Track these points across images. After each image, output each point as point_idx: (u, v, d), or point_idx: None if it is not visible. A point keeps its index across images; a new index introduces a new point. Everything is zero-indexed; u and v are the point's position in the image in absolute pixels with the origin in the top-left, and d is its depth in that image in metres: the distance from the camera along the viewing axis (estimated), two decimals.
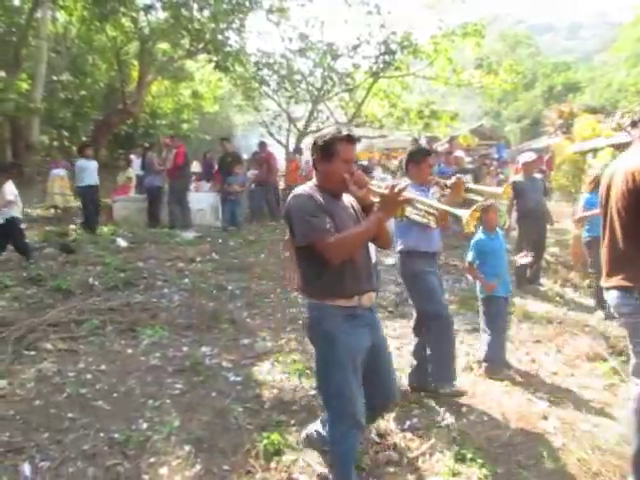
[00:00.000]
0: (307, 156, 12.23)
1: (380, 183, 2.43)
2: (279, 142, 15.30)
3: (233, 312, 5.20)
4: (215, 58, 13.42)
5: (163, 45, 15.36)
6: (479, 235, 3.98)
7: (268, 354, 4.18)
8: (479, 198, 3.28)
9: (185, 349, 4.24)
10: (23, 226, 9.32)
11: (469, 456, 2.73)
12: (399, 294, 5.86)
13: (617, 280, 2.36)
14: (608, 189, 2.41)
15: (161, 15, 13.65)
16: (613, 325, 5.04)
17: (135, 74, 16.08)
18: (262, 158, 11.50)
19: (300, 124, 15.09)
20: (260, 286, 6.22)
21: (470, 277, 5.48)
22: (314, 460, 2.68)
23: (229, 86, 17.56)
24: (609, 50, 39.56)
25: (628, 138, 7.92)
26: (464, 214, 2.38)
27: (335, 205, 2.30)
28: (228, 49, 13.32)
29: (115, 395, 3.40)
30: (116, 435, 2.90)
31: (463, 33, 13.54)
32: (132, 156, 12.66)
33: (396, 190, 2.20)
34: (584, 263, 6.98)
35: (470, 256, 3.98)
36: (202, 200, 10.59)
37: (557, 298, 6.07)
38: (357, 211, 2.40)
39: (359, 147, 2.95)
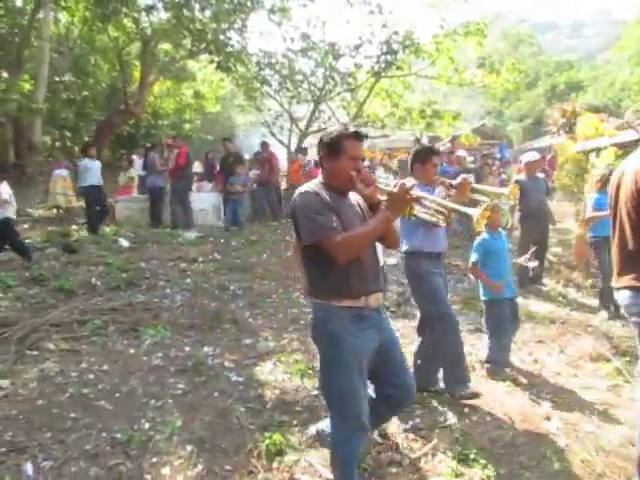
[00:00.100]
0: (311, 156, 12.25)
1: (387, 181, 2.40)
2: (281, 142, 15.30)
3: (235, 312, 5.20)
4: (217, 58, 13.43)
5: (165, 45, 15.39)
6: (483, 235, 3.91)
7: (270, 354, 4.18)
8: (484, 198, 3.25)
9: (187, 349, 4.24)
10: (25, 226, 9.42)
11: (472, 457, 2.72)
12: (401, 294, 5.86)
13: (628, 280, 2.35)
14: (617, 189, 2.39)
15: (163, 15, 13.68)
16: (616, 325, 5.03)
17: (137, 74, 16.11)
18: (264, 158, 11.51)
19: (302, 124, 15.10)
20: (262, 286, 6.21)
21: (472, 277, 5.47)
22: (316, 460, 2.68)
23: (231, 86, 17.58)
24: (612, 49, 39.48)
25: (636, 136, 7.89)
26: (475, 213, 2.35)
27: (342, 203, 2.26)
28: (230, 49, 13.32)
29: (117, 395, 3.41)
30: (118, 435, 2.90)
31: (465, 32, 13.52)
32: (134, 156, 12.69)
33: (404, 188, 2.16)
34: (587, 263, 6.98)
35: (474, 257, 3.92)
36: (204, 200, 10.61)
37: (560, 298, 6.05)
38: (364, 209, 2.37)
39: None
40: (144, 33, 13.93)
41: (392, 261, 6.77)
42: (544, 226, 6.45)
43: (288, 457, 2.73)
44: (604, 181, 5.51)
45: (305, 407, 3.30)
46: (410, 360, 3.67)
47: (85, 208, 9.37)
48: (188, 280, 6.14)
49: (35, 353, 4.01)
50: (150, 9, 13.19)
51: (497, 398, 3.46)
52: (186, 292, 5.72)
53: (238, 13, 13.24)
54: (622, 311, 2.50)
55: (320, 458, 2.69)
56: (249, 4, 13.27)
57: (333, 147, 2.24)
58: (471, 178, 3.51)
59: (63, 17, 16.18)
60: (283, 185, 12.85)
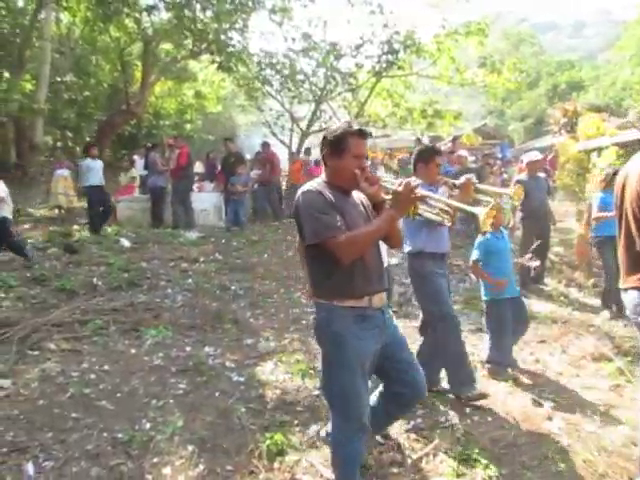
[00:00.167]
0: (314, 156, 12.26)
1: (392, 180, 2.36)
2: (282, 142, 15.32)
3: (236, 312, 5.20)
4: (218, 58, 13.43)
5: (166, 46, 15.41)
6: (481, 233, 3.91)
7: (271, 354, 4.18)
8: (486, 198, 3.23)
9: (188, 349, 4.24)
10: (27, 226, 9.44)
11: (473, 457, 2.71)
12: (403, 294, 5.85)
13: (635, 281, 2.34)
14: (623, 189, 2.38)
15: (164, 16, 13.70)
16: (618, 325, 5.03)
17: (138, 75, 16.13)
18: (265, 158, 11.51)
19: (303, 124, 15.11)
20: (263, 286, 6.22)
21: (474, 277, 5.46)
22: (317, 460, 2.68)
23: (232, 86, 17.60)
24: (613, 48, 39.39)
25: (638, 136, 7.86)
26: (481, 212, 2.32)
27: (345, 202, 2.23)
28: (231, 49, 13.33)
29: (119, 395, 3.41)
30: (120, 435, 2.90)
31: (466, 32, 13.52)
32: (135, 156, 12.70)
33: (409, 187, 2.13)
34: (589, 263, 6.97)
35: (475, 255, 3.90)
36: (205, 200, 10.61)
37: (561, 298, 6.04)
38: (367, 208, 2.33)
39: None
40: (145, 33, 13.95)
41: (394, 261, 6.76)
42: (545, 226, 6.44)
43: (289, 457, 2.73)
44: (608, 180, 5.51)
45: (306, 407, 3.30)
46: None
47: (87, 208, 9.38)
48: (189, 280, 6.14)
49: (36, 353, 4.01)
50: (151, 9, 13.19)
51: (499, 398, 3.45)
52: (187, 292, 5.72)
53: (239, 13, 13.25)
54: (628, 312, 2.48)
55: (321, 458, 2.69)
56: (250, 4, 13.27)
57: (337, 145, 2.21)
58: (473, 178, 3.49)
59: (65, 17, 16.21)
60: (284, 185, 12.86)
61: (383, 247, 2.63)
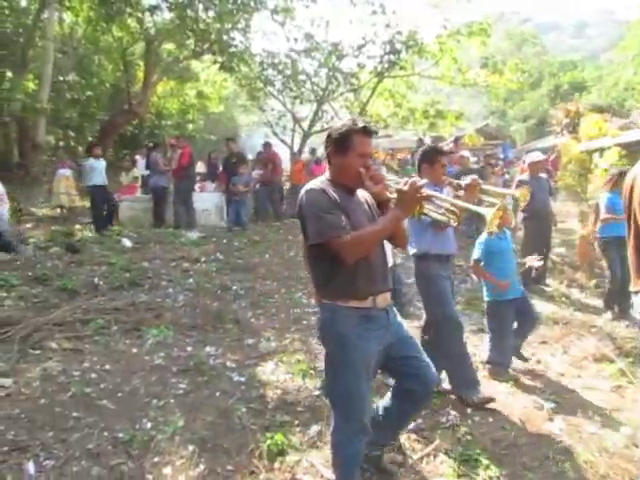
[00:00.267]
0: (318, 156, 12.28)
1: (397, 179, 2.33)
2: (284, 142, 15.33)
3: (237, 312, 5.20)
4: (220, 58, 13.46)
5: (169, 46, 15.44)
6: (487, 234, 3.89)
7: (272, 354, 4.18)
8: (490, 199, 3.21)
9: (189, 349, 4.24)
10: (29, 225, 9.46)
11: (474, 457, 2.71)
12: (405, 294, 5.84)
13: None
14: (631, 191, 2.37)
15: (167, 16, 13.73)
16: (620, 326, 5.02)
17: (141, 74, 16.16)
18: (267, 158, 11.52)
19: (305, 124, 15.12)
20: (264, 286, 6.22)
21: (475, 277, 5.45)
22: (318, 460, 2.68)
23: (234, 86, 17.62)
24: (616, 49, 39.29)
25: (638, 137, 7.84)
26: (488, 213, 2.29)
27: (349, 201, 2.20)
28: (233, 49, 13.35)
29: (119, 394, 3.41)
30: (120, 434, 2.90)
31: (468, 32, 13.51)
32: (137, 156, 12.72)
33: (415, 186, 2.10)
34: (590, 263, 6.96)
35: (476, 254, 3.88)
36: (207, 200, 10.62)
37: (563, 299, 6.03)
38: (371, 206, 2.31)
39: None
40: (148, 33, 13.97)
41: (397, 261, 6.75)
42: (547, 226, 6.43)
43: (290, 457, 2.73)
44: (614, 181, 5.51)
45: (307, 407, 3.29)
46: None
47: (91, 208, 9.39)
48: (190, 280, 6.14)
49: (38, 352, 4.02)
50: (154, 9, 13.22)
51: (500, 399, 3.44)
52: (188, 292, 5.72)
53: (241, 13, 13.27)
54: (637, 314, 2.46)
55: (322, 458, 2.69)
56: (252, 4, 13.29)
57: (341, 143, 2.17)
58: (479, 179, 3.47)
59: (67, 17, 16.24)
60: (286, 185, 12.87)
61: (388, 247, 2.62)
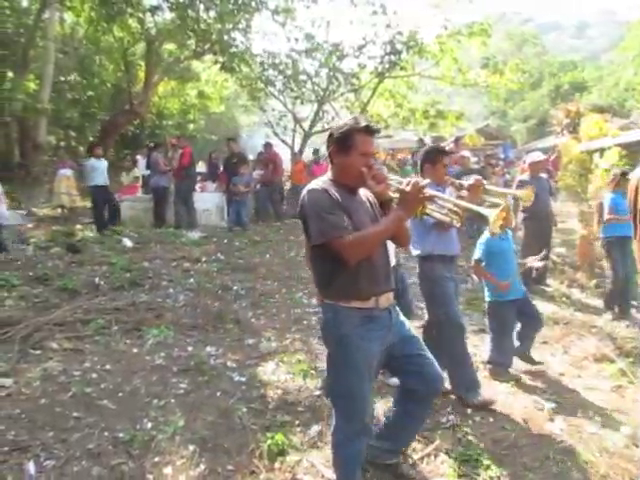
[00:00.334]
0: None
1: (399, 178, 2.31)
2: (284, 142, 15.33)
3: (238, 312, 5.20)
4: (221, 59, 13.46)
5: (169, 46, 15.44)
6: (488, 234, 3.88)
7: (273, 354, 4.18)
8: (493, 199, 3.19)
9: (190, 349, 4.24)
10: (30, 225, 9.47)
11: (474, 458, 2.71)
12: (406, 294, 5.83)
13: None
14: (636, 192, 2.37)
15: (167, 16, 13.73)
16: (620, 326, 5.02)
17: (142, 75, 16.16)
18: (267, 158, 11.53)
19: (305, 124, 15.12)
20: (265, 286, 6.22)
21: (475, 277, 5.44)
22: (318, 460, 2.68)
23: (235, 87, 17.63)
24: (616, 49, 39.29)
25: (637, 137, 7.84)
26: (491, 214, 2.26)
27: (352, 200, 2.18)
28: (234, 50, 13.35)
29: (120, 394, 3.41)
30: (121, 434, 2.90)
31: (469, 32, 13.51)
32: (138, 156, 12.74)
33: (418, 186, 2.07)
34: (591, 263, 6.95)
35: (477, 254, 3.86)
36: (208, 200, 10.63)
37: (563, 299, 6.03)
38: (373, 205, 2.29)
39: None
40: (149, 33, 13.97)
41: (400, 261, 6.74)
42: (547, 227, 6.43)
43: (290, 457, 2.73)
44: (617, 181, 5.51)
45: (307, 407, 3.29)
46: None
47: (92, 208, 9.40)
48: (191, 280, 6.15)
49: (38, 352, 4.02)
50: (155, 9, 13.23)
51: (500, 399, 3.44)
52: (189, 292, 5.72)
53: (242, 13, 13.27)
54: None
55: (322, 458, 2.69)
56: (253, 5, 13.30)
57: (343, 142, 2.16)
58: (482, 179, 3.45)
59: (68, 17, 16.27)
60: (286, 185, 12.87)
61: (391, 246, 2.60)
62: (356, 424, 2.21)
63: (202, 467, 2.65)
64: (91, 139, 14.83)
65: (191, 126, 21.08)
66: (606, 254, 5.74)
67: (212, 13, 13.08)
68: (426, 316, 3.65)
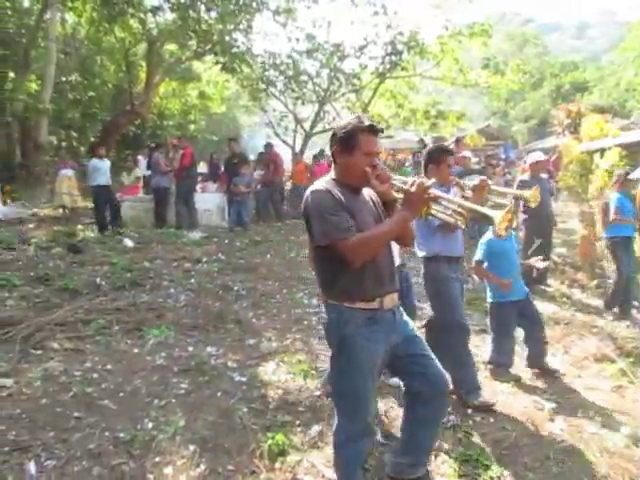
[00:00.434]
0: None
1: (404, 178, 2.28)
2: (285, 143, 15.35)
3: (239, 312, 5.20)
4: (222, 59, 13.47)
5: (171, 46, 15.46)
6: (490, 235, 3.84)
7: (273, 354, 4.18)
8: (495, 200, 3.18)
9: (191, 349, 4.24)
10: (31, 225, 9.49)
11: (475, 458, 2.71)
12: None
13: None
14: None
15: (169, 16, 13.76)
16: (621, 326, 5.02)
17: (143, 75, 16.19)
18: (268, 159, 11.53)
19: (307, 125, 15.13)
20: (266, 286, 6.22)
21: (476, 278, 5.44)
22: (319, 461, 2.68)
23: (236, 87, 17.66)
24: (617, 49, 39.28)
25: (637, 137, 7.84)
26: (497, 215, 2.23)
27: (355, 201, 2.16)
28: (235, 50, 13.36)
29: (121, 394, 3.41)
30: (121, 434, 2.90)
31: (470, 33, 13.52)
32: (139, 157, 12.75)
33: (423, 187, 2.05)
34: (592, 263, 6.95)
35: (478, 255, 3.86)
36: (208, 201, 10.64)
37: (564, 299, 6.02)
38: (377, 205, 2.27)
39: None
40: (150, 34, 13.99)
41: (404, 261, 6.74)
42: (548, 227, 6.43)
43: (291, 457, 2.73)
44: (621, 182, 5.52)
45: (308, 407, 3.30)
46: None
47: (94, 208, 9.42)
48: (192, 280, 6.15)
49: (39, 352, 4.03)
50: (156, 10, 13.25)
51: (501, 399, 3.45)
52: (190, 292, 5.73)
53: (243, 14, 13.29)
54: None
55: (323, 458, 2.69)
56: (254, 5, 13.31)
57: (347, 142, 2.13)
58: (475, 178, 3.44)
59: (70, 18, 16.30)
60: (287, 186, 12.88)
61: (395, 246, 2.59)
62: (359, 424, 2.21)
63: (203, 467, 2.65)
64: (92, 139, 14.87)
65: (192, 126, 21.11)
66: (611, 254, 5.75)
67: (213, 14, 13.11)
68: (426, 316, 3.65)
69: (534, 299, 5.85)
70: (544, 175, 6.96)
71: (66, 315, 4.69)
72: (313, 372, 3.77)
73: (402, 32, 13.56)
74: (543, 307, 5.63)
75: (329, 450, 2.67)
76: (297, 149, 14.84)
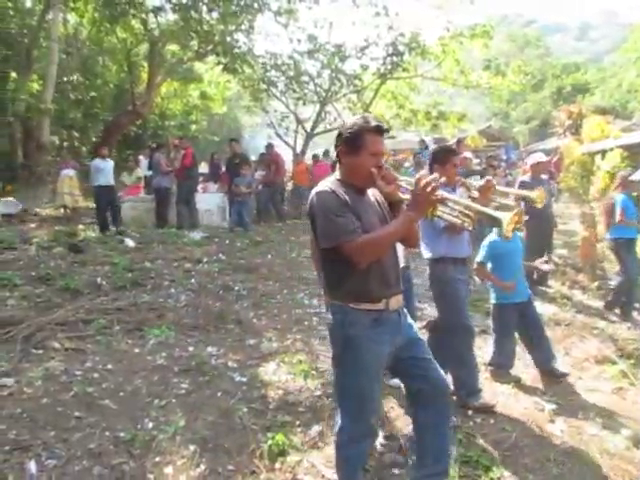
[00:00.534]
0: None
1: (410, 179, 2.26)
2: (286, 143, 15.36)
3: (239, 312, 5.21)
4: (224, 60, 13.49)
5: (172, 47, 15.48)
6: (493, 236, 3.84)
7: (274, 355, 4.18)
8: (502, 201, 3.17)
9: (191, 349, 4.25)
10: (33, 225, 9.50)
11: (475, 459, 2.70)
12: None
13: None
14: None
15: (170, 17, 13.77)
16: (622, 328, 5.01)
17: (145, 75, 16.20)
18: (270, 159, 11.54)
19: (308, 125, 15.14)
20: (266, 287, 6.22)
21: (477, 279, 5.43)
22: (319, 461, 2.68)
23: (237, 87, 17.67)
24: (619, 51, 39.24)
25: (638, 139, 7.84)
26: (505, 217, 2.21)
27: (360, 202, 2.14)
28: (237, 51, 13.38)
29: (121, 394, 3.42)
30: (122, 434, 2.91)
31: (471, 34, 13.53)
32: (140, 157, 12.76)
33: (429, 188, 2.00)
34: (593, 265, 6.95)
35: (481, 256, 3.85)
36: (209, 201, 10.65)
37: (565, 300, 6.02)
38: (382, 205, 2.25)
39: None
40: (152, 34, 14.01)
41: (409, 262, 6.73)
42: (549, 228, 6.42)
43: (291, 457, 2.73)
44: (624, 183, 5.52)
45: (308, 408, 3.30)
46: None
47: (96, 208, 9.42)
48: (193, 280, 6.15)
49: (40, 352, 4.03)
50: (158, 10, 13.27)
51: (501, 400, 3.45)
52: (191, 292, 5.73)
53: (245, 15, 13.31)
54: None
55: (323, 459, 2.69)
56: (256, 6, 13.32)
57: (353, 142, 2.11)
58: (476, 179, 3.45)
59: (72, 18, 16.32)
60: (288, 186, 12.88)
61: (399, 248, 2.59)
62: (362, 425, 2.20)
63: (203, 467, 2.66)
64: (94, 139, 14.89)
65: (193, 127, 21.12)
66: (615, 255, 5.76)
67: (215, 14, 13.12)
68: (426, 317, 3.65)
69: (535, 300, 5.89)
70: (545, 176, 6.96)
71: (67, 315, 4.69)
72: (313, 372, 3.78)
73: (403, 33, 13.58)
74: (544, 308, 5.63)
75: (329, 450, 2.68)
76: (298, 150, 14.84)
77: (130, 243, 7.92)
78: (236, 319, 4.98)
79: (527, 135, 36.06)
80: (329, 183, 2.17)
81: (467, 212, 2.29)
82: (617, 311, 5.53)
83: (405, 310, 2.33)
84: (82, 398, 3.32)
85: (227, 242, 8.60)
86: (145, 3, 13.12)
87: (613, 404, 3.44)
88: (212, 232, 9.36)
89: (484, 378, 3.80)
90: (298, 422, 3.10)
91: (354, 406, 2.19)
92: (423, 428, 2.33)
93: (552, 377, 3.82)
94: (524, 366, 4.04)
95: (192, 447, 2.81)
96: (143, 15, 13.20)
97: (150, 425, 3.03)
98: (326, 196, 2.10)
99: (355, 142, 2.11)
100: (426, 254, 3.43)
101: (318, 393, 3.46)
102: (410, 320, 2.35)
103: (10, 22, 13.98)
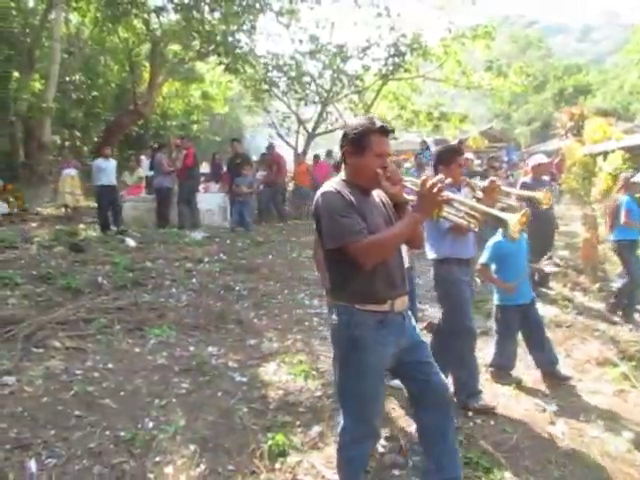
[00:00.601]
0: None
1: (415, 180, 2.26)
2: (288, 143, 15.37)
3: (240, 312, 5.21)
4: (225, 60, 13.49)
5: (174, 47, 15.49)
6: (497, 237, 3.81)
7: (274, 355, 4.18)
8: (506, 201, 3.16)
9: (192, 349, 4.25)
10: (34, 224, 9.52)
11: (475, 460, 2.69)
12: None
13: None
14: None
15: (172, 17, 13.79)
16: (623, 330, 5.00)
17: (146, 75, 16.22)
18: (271, 159, 11.54)
19: (309, 126, 15.15)
20: (267, 287, 6.22)
21: (478, 280, 5.42)
22: (319, 461, 2.68)
23: (239, 88, 17.67)
24: (621, 52, 39.20)
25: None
26: (511, 219, 2.20)
27: (366, 202, 2.14)
28: (238, 51, 13.38)
29: (122, 394, 3.41)
30: (122, 433, 2.91)
31: (473, 35, 13.53)
32: (142, 157, 12.77)
33: (435, 189, 1.99)
34: (594, 267, 6.93)
35: (484, 258, 3.83)
36: (211, 201, 10.65)
37: (566, 302, 6.00)
38: (387, 206, 2.24)
39: None
40: (154, 34, 14.02)
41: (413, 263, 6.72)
42: (550, 229, 6.41)
43: (291, 458, 2.73)
44: (627, 185, 5.52)
45: (308, 408, 3.30)
46: None
47: (98, 207, 9.43)
48: (194, 280, 6.16)
49: (41, 351, 4.03)
50: (160, 10, 13.28)
51: (502, 402, 3.44)
52: (191, 292, 5.73)
53: (247, 15, 13.32)
54: None
55: (323, 459, 2.69)
56: (258, 6, 13.34)
57: (358, 143, 2.10)
58: (477, 180, 3.44)
59: (74, 18, 16.34)
60: (289, 186, 12.89)
61: (404, 249, 2.58)
62: (365, 426, 2.19)
63: (203, 467, 2.65)
64: (95, 139, 14.90)
65: (195, 127, 21.14)
66: (618, 257, 5.76)
67: (217, 14, 13.13)
68: (427, 318, 3.64)
69: (536, 301, 5.87)
70: (546, 178, 6.94)
71: (68, 314, 4.69)
72: (314, 373, 3.77)
73: (405, 34, 13.59)
74: (545, 310, 5.62)
75: (329, 451, 2.68)
76: (299, 150, 14.85)
77: (131, 243, 7.92)
78: (237, 319, 4.98)
79: (529, 136, 36.04)
80: (334, 184, 2.16)
81: (473, 213, 2.28)
82: (619, 313, 5.51)
83: (410, 313, 2.32)
84: (82, 397, 3.32)
85: (228, 242, 8.60)
86: (147, 3, 13.14)
87: (614, 406, 3.43)
88: (213, 232, 9.36)
89: (485, 379, 3.79)
90: (298, 422, 3.10)
91: (357, 407, 2.19)
92: (425, 433, 2.31)
93: (554, 380, 3.81)
94: (525, 368, 4.03)
95: (192, 447, 2.81)
96: (145, 15, 13.21)
97: (150, 424, 3.03)
98: (331, 196, 2.09)
99: (360, 143, 2.11)
100: (430, 255, 3.41)
101: (318, 393, 3.45)
102: (414, 323, 2.34)
103: (12, 22, 14.00)
